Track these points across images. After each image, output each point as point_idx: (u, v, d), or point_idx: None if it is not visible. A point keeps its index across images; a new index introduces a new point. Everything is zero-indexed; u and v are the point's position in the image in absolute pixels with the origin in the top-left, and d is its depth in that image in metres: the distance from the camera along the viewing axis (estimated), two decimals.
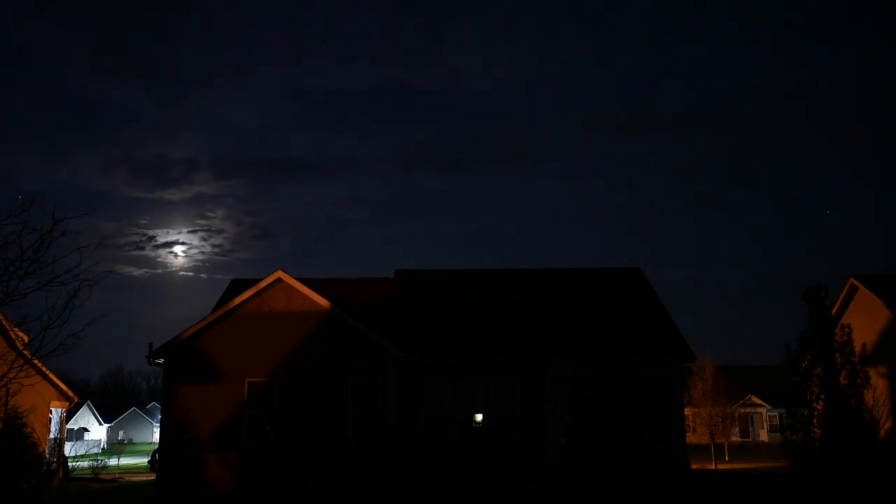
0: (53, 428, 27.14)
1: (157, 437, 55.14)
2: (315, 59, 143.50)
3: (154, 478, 23.83)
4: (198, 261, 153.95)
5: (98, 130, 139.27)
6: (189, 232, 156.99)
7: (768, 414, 58.50)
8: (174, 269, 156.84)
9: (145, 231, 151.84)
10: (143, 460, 47.55)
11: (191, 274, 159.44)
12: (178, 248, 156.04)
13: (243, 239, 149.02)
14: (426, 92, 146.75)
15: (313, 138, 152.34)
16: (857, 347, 15.14)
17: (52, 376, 26.84)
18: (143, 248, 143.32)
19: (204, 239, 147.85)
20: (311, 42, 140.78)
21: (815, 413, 14.86)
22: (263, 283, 22.48)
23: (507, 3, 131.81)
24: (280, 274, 22.45)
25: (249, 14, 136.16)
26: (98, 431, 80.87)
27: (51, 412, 27.07)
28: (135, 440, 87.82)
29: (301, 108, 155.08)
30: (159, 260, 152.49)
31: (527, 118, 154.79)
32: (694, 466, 26.81)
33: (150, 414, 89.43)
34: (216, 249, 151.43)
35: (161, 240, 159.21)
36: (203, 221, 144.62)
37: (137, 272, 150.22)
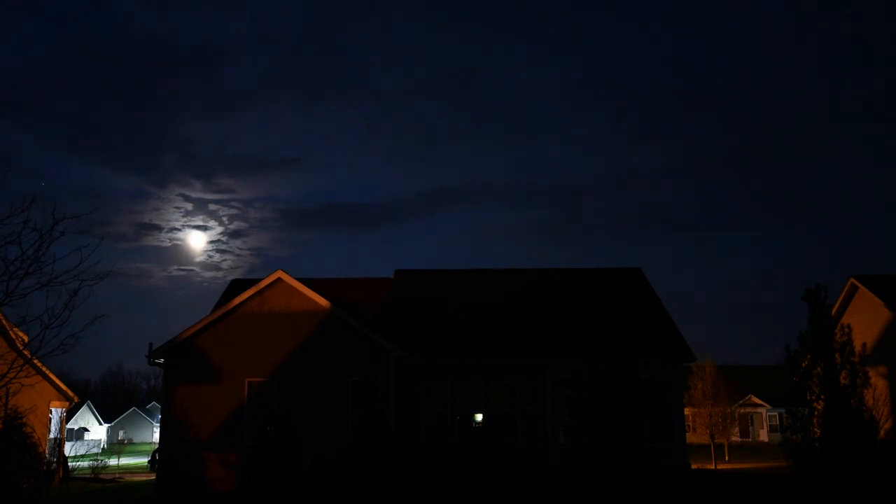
0: (53, 428, 27.13)
1: (157, 437, 55.17)
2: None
3: (154, 478, 23.83)
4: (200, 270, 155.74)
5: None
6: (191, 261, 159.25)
7: (768, 414, 58.52)
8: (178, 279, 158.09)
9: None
10: (143, 460, 47.57)
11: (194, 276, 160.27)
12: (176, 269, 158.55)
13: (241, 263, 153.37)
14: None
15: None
16: (857, 347, 15.11)
17: (52, 376, 26.84)
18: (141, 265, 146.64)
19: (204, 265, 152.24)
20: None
21: (815, 413, 14.84)
22: (263, 283, 22.48)
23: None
24: (280, 274, 22.45)
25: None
26: (98, 431, 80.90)
27: (51, 412, 27.06)
28: (135, 440, 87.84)
29: None
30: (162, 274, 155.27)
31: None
32: (694, 466, 26.82)
33: (150, 414, 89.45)
34: (215, 263, 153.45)
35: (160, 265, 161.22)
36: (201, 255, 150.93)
37: (137, 279, 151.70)
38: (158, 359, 21.94)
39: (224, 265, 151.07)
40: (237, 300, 22.33)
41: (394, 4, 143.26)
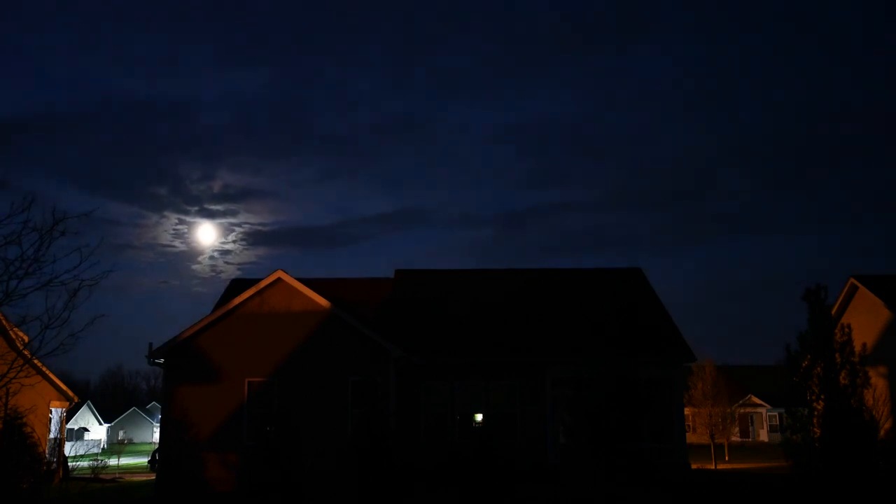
0: (53, 428, 27.12)
1: (157, 437, 55.14)
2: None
3: (154, 478, 23.83)
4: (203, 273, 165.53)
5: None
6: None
7: (768, 414, 58.53)
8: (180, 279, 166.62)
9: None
10: (143, 460, 47.58)
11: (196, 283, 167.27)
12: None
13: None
14: None
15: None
16: (857, 347, 15.12)
17: (52, 376, 26.84)
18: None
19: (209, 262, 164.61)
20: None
21: (815, 413, 14.84)
22: (263, 283, 22.47)
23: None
24: (280, 274, 22.45)
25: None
26: (98, 431, 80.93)
27: (51, 412, 27.07)
28: (135, 440, 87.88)
29: None
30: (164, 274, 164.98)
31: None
32: (694, 466, 26.83)
33: (150, 414, 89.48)
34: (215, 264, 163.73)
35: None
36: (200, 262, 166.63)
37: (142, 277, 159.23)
38: (158, 359, 21.93)
39: (223, 275, 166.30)
40: (237, 300, 22.33)
41: (344, 65, 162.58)
